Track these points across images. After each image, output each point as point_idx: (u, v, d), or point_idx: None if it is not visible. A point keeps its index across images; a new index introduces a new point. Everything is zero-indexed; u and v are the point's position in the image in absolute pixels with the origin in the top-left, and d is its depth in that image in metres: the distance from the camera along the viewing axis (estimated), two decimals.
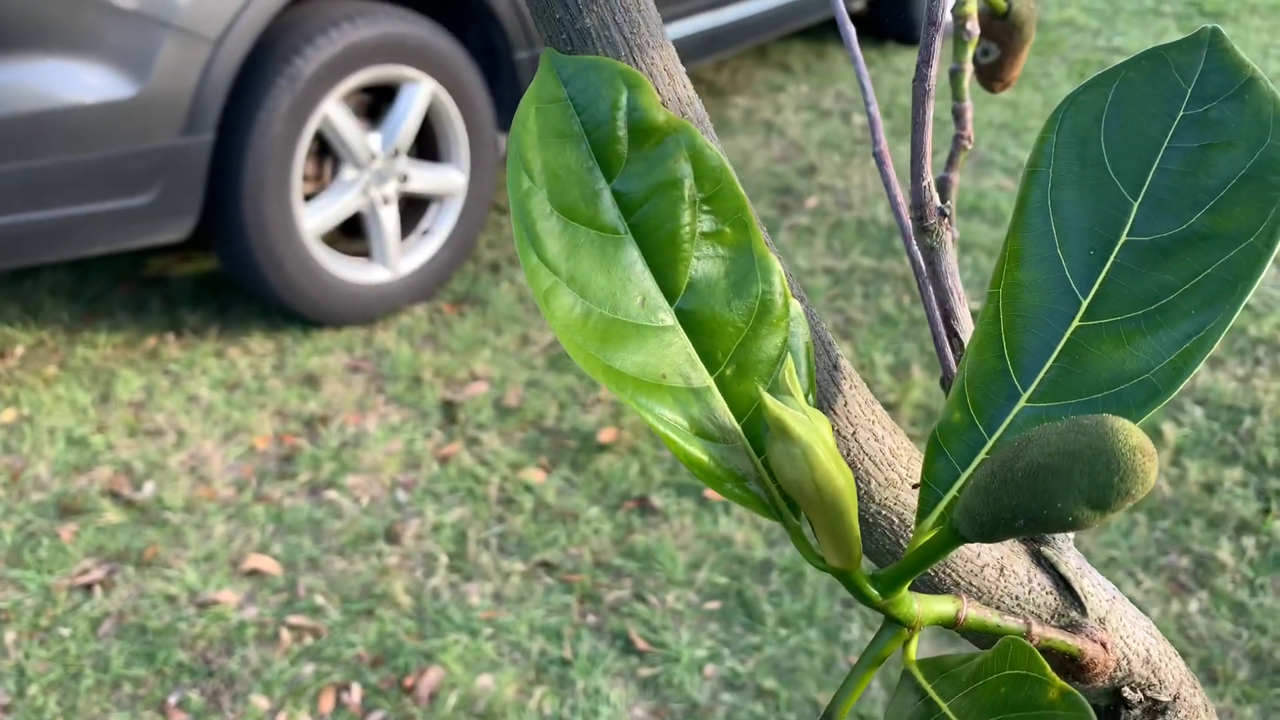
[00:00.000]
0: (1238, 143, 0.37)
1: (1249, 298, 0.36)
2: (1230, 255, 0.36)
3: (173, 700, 2.00)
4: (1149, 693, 0.44)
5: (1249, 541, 2.26)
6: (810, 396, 0.39)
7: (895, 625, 0.37)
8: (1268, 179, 0.37)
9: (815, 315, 0.43)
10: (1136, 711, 0.45)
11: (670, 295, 0.39)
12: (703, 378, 0.39)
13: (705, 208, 0.39)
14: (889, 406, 2.67)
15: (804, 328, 0.40)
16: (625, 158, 0.39)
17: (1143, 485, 0.29)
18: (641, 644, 2.08)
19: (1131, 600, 2.08)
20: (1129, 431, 0.30)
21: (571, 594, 2.19)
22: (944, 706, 0.33)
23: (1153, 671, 0.45)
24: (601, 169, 0.39)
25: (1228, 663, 2.03)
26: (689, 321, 0.39)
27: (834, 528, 0.35)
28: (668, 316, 0.39)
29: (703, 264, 0.39)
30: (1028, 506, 0.31)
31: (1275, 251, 0.36)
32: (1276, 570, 2.20)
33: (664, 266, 0.39)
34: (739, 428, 0.39)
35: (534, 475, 2.48)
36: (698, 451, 0.37)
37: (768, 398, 0.34)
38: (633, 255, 0.39)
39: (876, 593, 0.36)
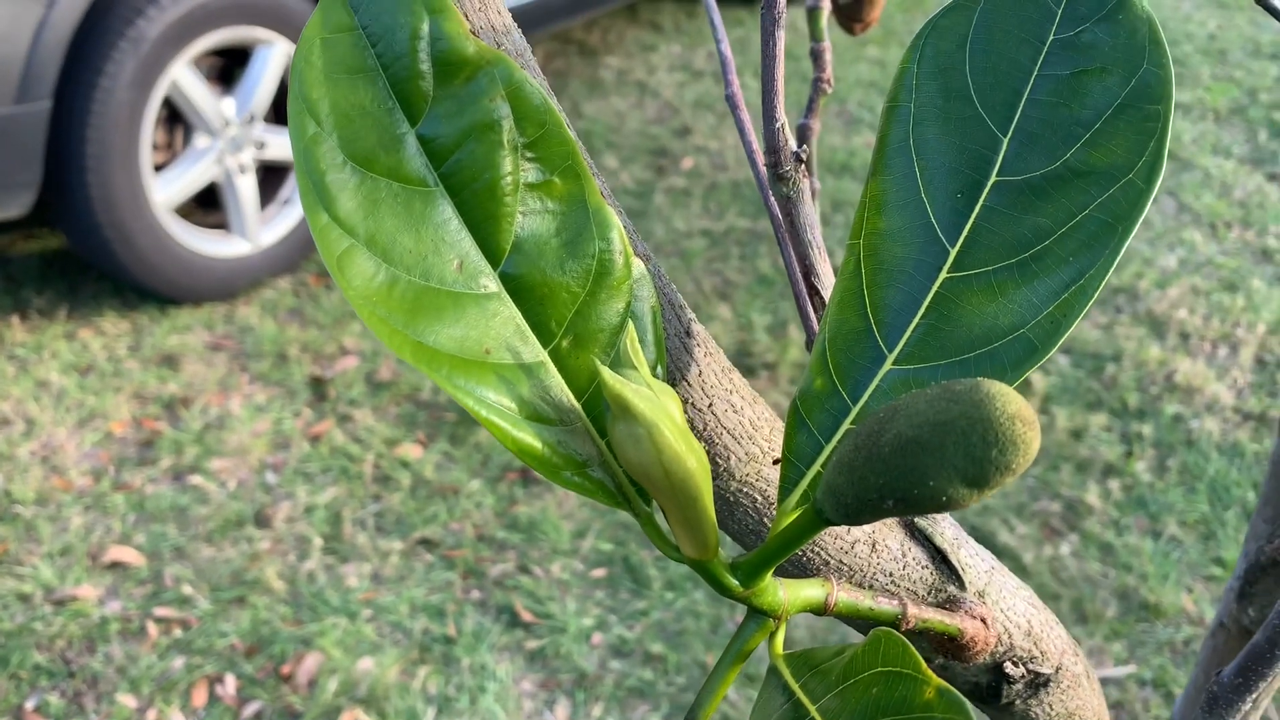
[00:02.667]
0: (1112, 69, 0.34)
1: (1130, 240, 0.33)
2: (1109, 193, 0.33)
3: (30, 705, 1.88)
4: (1031, 666, 0.42)
5: (1114, 484, 2.33)
6: (660, 367, 0.35)
7: (759, 616, 0.33)
8: (1145, 108, 0.33)
9: (664, 276, 0.39)
10: (1019, 686, 0.42)
11: (493, 258, 0.34)
12: (534, 351, 0.34)
13: (529, 154, 0.34)
14: (769, 367, 2.67)
15: (649, 290, 0.35)
16: (431, 96, 0.33)
17: (1024, 457, 0.26)
18: (527, 616, 2.04)
19: (1006, 547, 2.12)
20: (1006, 397, 0.26)
21: (454, 570, 2.13)
22: (812, 710, 0.30)
23: (1034, 644, 0.42)
24: (403, 110, 0.33)
25: (1097, 602, 2.09)
26: (516, 287, 0.34)
27: (686, 515, 0.31)
28: (491, 282, 0.34)
29: (529, 220, 0.34)
30: (897, 486, 0.27)
31: (1157, 188, 0.33)
32: (1139, 510, 2.27)
33: (484, 224, 0.34)
34: (579, 406, 0.34)
35: (411, 451, 2.41)
36: (529, 438, 0.33)
37: (606, 372, 0.29)
38: (446, 211, 0.33)
39: (736, 583, 0.33)
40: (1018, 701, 0.43)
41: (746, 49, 4.42)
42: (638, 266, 0.35)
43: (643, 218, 3.29)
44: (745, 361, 2.66)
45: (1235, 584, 0.60)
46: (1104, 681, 1.98)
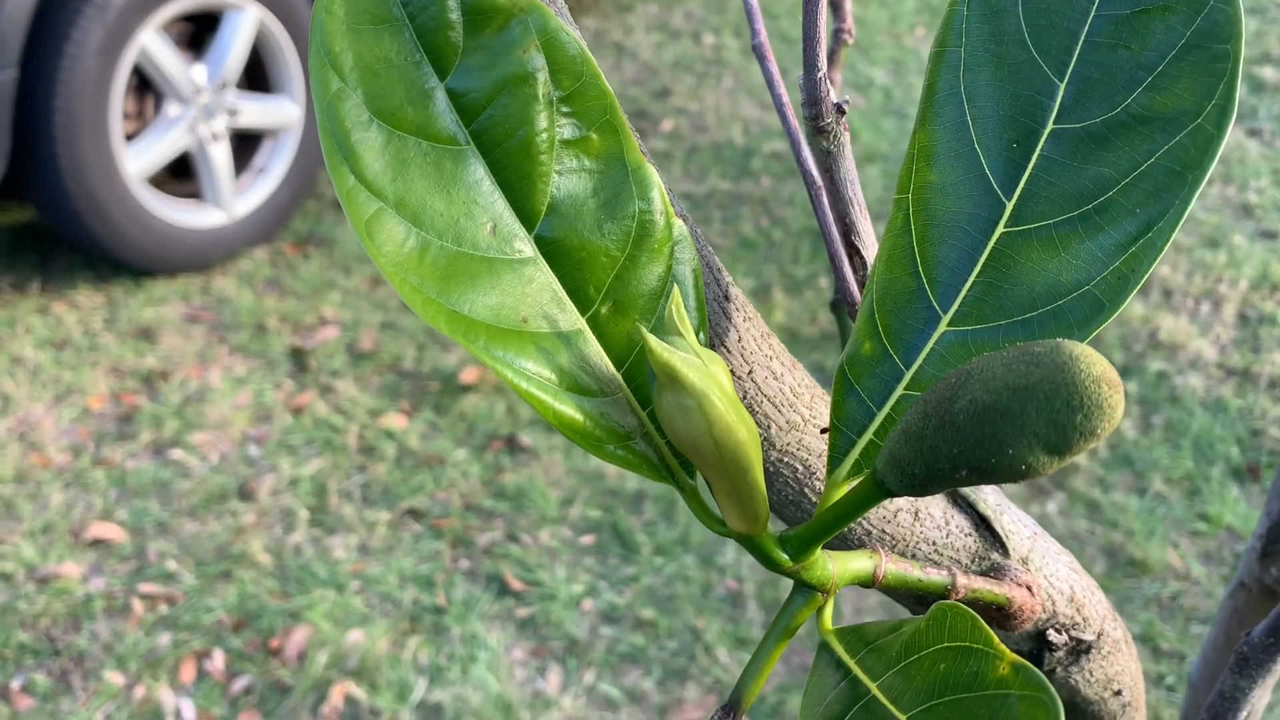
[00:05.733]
0: (1175, 7, 0.32)
1: (1201, 189, 0.31)
2: (1176, 140, 0.32)
3: (16, 684, 1.86)
4: (1073, 633, 0.41)
5: (1100, 442, 2.34)
6: (702, 333, 0.33)
7: (807, 590, 0.32)
8: (1212, 48, 0.32)
9: (702, 237, 0.37)
10: (1061, 653, 0.41)
11: (528, 220, 0.32)
12: (572, 319, 0.32)
13: (565, 109, 0.32)
14: None
15: (690, 252, 0.34)
16: (461, 48, 0.31)
17: (1109, 421, 0.25)
18: (517, 584, 2.03)
19: None
20: (1090, 359, 0.25)
21: (442, 540, 2.12)
22: (873, 688, 0.28)
23: (1077, 610, 0.41)
24: (431, 63, 0.31)
25: (1084, 559, 2.10)
26: (553, 251, 0.32)
27: (736, 487, 0.29)
28: (526, 246, 0.32)
29: (566, 180, 0.32)
30: (972, 455, 0.26)
31: (1227, 134, 0.31)
32: (1124, 468, 2.28)
33: (518, 184, 0.32)
34: (619, 376, 0.32)
35: (395, 421, 2.39)
36: (570, 410, 0.31)
37: (652, 340, 0.27)
38: (478, 171, 0.31)
39: (786, 557, 0.31)
40: (1059, 669, 0.42)
41: (724, 8, 4.38)
42: (679, 227, 0.34)
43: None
44: None
45: (1257, 544, 0.59)
46: None
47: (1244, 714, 0.52)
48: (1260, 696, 0.63)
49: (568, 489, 2.23)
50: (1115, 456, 2.31)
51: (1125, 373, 2.50)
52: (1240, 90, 2.47)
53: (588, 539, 2.13)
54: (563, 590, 2.02)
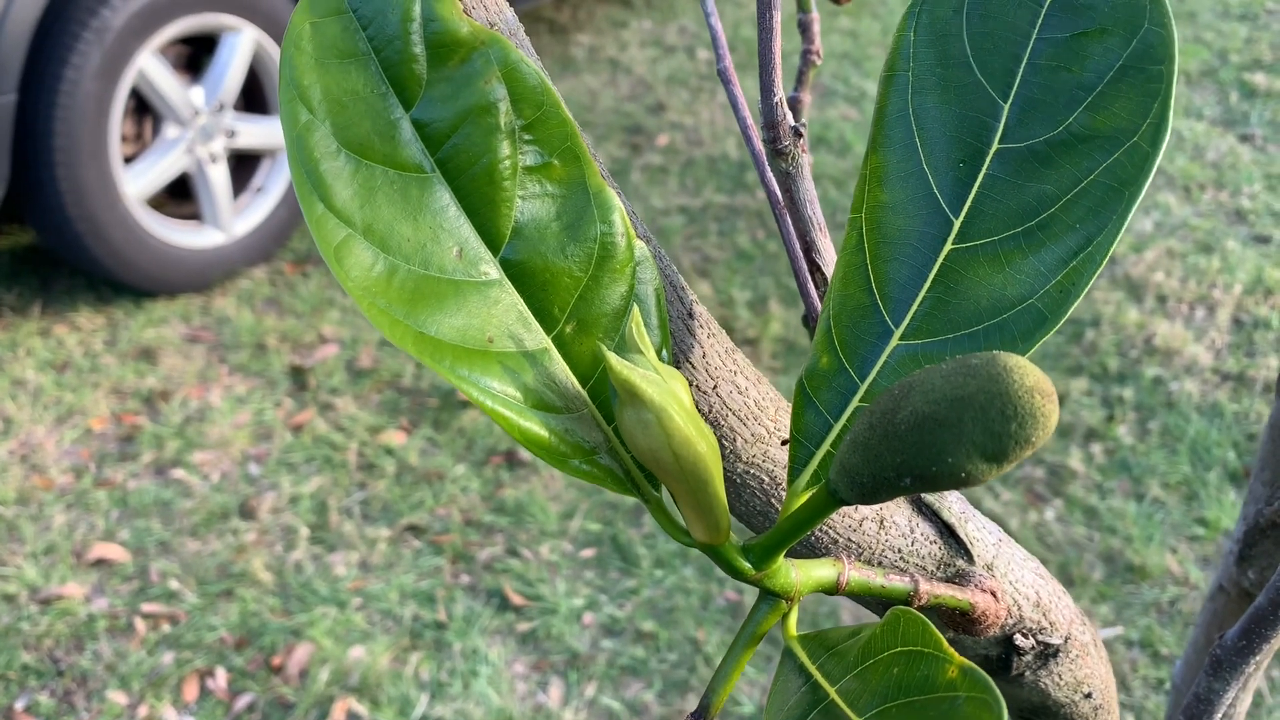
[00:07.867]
0: (1112, 29, 0.33)
1: (1137, 205, 0.33)
2: (1114, 158, 0.33)
3: (20, 705, 1.87)
4: (1040, 637, 0.42)
5: (1097, 448, 2.34)
6: (664, 351, 0.34)
7: (772, 598, 0.33)
8: (1147, 69, 0.33)
9: (665, 257, 0.38)
10: (1028, 657, 0.42)
11: (493, 244, 0.33)
12: (538, 338, 0.33)
13: (527, 137, 0.33)
14: (750, 343, 2.67)
15: (652, 272, 0.35)
16: (425, 80, 0.32)
17: (1043, 430, 0.26)
18: (517, 599, 2.04)
19: (991, 514, 2.14)
20: (1024, 370, 0.26)
21: (442, 555, 2.13)
22: (831, 692, 0.29)
23: (1043, 614, 0.42)
24: (397, 94, 0.32)
25: (1083, 565, 2.10)
26: (518, 273, 0.33)
27: (697, 499, 0.30)
28: (491, 269, 0.33)
29: (529, 205, 0.33)
30: (914, 463, 0.27)
31: (1162, 151, 0.33)
32: (1122, 474, 2.29)
33: (483, 210, 0.33)
34: (584, 392, 0.33)
35: (394, 437, 2.40)
36: (536, 427, 0.32)
37: (612, 358, 0.29)
38: (444, 198, 0.33)
39: (749, 565, 0.32)
40: (1027, 673, 0.43)
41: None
42: (640, 248, 0.35)
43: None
44: None
45: (1234, 547, 0.60)
46: None
47: (1219, 715, 0.53)
48: (1241, 699, 0.64)
49: (567, 503, 2.24)
50: (1113, 462, 2.31)
51: (1121, 379, 2.51)
52: (1233, 96, 2.47)
53: (588, 552, 2.14)
54: (563, 604, 2.02)
